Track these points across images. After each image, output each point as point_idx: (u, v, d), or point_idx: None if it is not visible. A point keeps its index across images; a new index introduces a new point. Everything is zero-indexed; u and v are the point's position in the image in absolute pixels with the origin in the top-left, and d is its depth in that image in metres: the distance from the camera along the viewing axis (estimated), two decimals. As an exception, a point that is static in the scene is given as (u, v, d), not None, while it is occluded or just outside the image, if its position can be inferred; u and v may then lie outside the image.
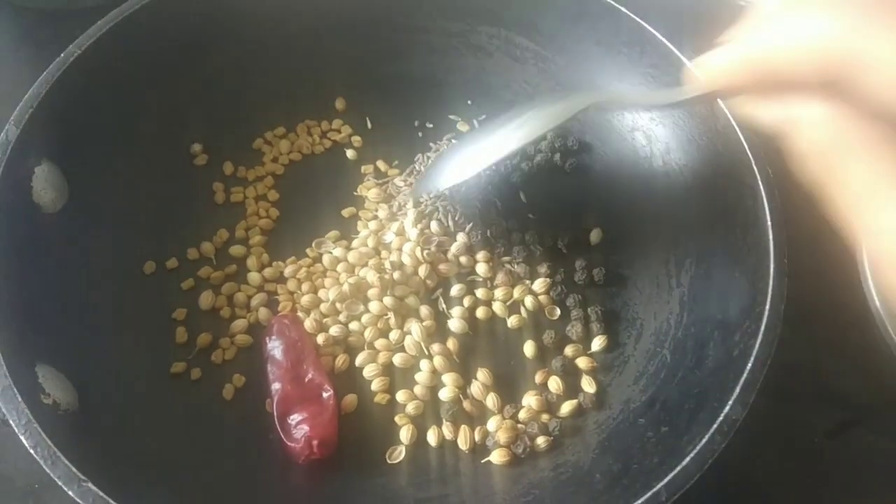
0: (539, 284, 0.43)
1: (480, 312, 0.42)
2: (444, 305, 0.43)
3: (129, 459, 0.33)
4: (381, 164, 0.47)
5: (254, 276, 0.43)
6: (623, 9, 0.43)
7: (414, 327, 0.41)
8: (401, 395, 0.40)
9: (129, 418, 0.36)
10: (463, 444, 0.38)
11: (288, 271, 0.43)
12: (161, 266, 0.43)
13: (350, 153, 0.48)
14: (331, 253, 0.43)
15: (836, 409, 0.42)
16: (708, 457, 0.31)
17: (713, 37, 0.25)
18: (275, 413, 0.37)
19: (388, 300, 0.41)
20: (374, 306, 0.41)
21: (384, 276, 0.42)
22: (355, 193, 0.46)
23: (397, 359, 0.40)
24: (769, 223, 0.36)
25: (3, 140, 0.36)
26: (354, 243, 0.44)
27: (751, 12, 0.23)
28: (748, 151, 0.37)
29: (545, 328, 0.42)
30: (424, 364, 0.40)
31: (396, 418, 0.39)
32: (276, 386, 0.38)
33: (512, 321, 0.42)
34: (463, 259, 0.44)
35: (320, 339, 0.40)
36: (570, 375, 0.41)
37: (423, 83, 0.49)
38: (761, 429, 0.33)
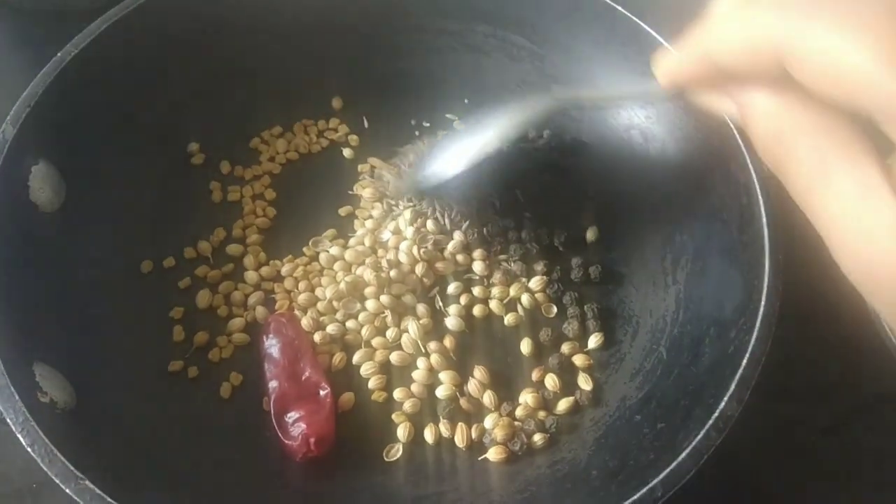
0: (535, 282, 0.43)
1: (477, 310, 0.43)
2: (440, 303, 0.43)
3: (127, 457, 0.33)
4: (377, 163, 0.47)
5: (251, 275, 0.43)
6: (619, 7, 0.43)
7: (411, 325, 0.41)
8: (398, 393, 0.40)
9: (127, 417, 0.36)
10: (460, 441, 0.38)
11: (285, 270, 0.43)
12: (158, 265, 0.43)
13: (347, 152, 0.48)
14: (327, 251, 0.44)
15: (832, 405, 0.43)
16: (703, 453, 0.31)
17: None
18: (272, 411, 0.37)
19: (384, 298, 0.41)
20: (370, 304, 0.42)
21: (381, 274, 0.42)
22: (350, 192, 0.47)
23: (394, 357, 0.41)
24: (764, 220, 0.36)
25: (0, 139, 0.36)
26: (351, 242, 0.44)
27: (706, 13, 0.24)
28: (743, 149, 0.37)
29: (542, 326, 0.42)
30: (421, 362, 0.40)
31: (393, 416, 0.39)
32: (273, 384, 0.38)
33: (509, 319, 0.42)
34: (459, 257, 0.44)
35: (317, 337, 0.41)
36: (567, 373, 0.41)
37: (419, 82, 0.49)
38: (757, 425, 0.33)
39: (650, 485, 0.30)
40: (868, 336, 0.41)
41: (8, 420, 0.30)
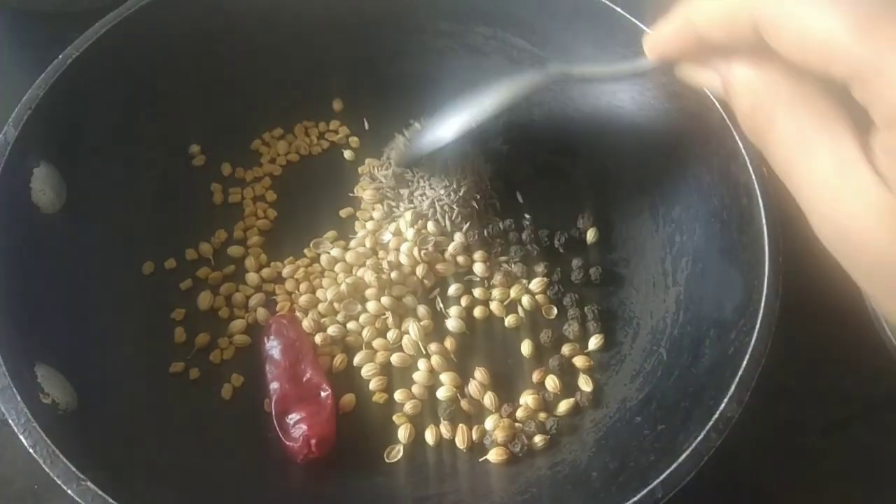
0: (536, 284, 0.43)
1: (478, 312, 0.43)
2: (441, 305, 0.43)
3: (128, 459, 0.33)
4: (376, 164, 0.48)
5: (252, 277, 0.43)
6: (619, 9, 0.43)
7: (411, 327, 0.41)
8: (399, 395, 0.40)
9: (128, 418, 0.36)
10: (461, 442, 0.38)
11: (286, 271, 0.43)
12: (160, 266, 0.43)
13: (347, 154, 0.48)
14: (328, 253, 0.44)
15: (832, 406, 0.43)
16: (704, 454, 0.31)
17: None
18: (273, 412, 0.37)
19: (385, 300, 0.42)
20: (371, 306, 0.42)
21: (382, 275, 0.42)
22: (351, 194, 0.47)
23: (395, 358, 0.41)
24: (764, 221, 0.36)
25: (1, 141, 0.36)
26: (352, 243, 0.44)
27: None
28: (743, 150, 0.37)
29: (542, 327, 0.42)
30: (422, 363, 0.40)
31: (394, 417, 0.39)
32: (274, 385, 0.38)
33: (509, 320, 0.42)
34: (460, 259, 0.44)
35: (318, 338, 0.41)
36: (567, 374, 0.41)
37: (420, 84, 0.49)
38: (757, 426, 0.33)
39: (650, 486, 0.30)
40: (868, 336, 0.41)
41: (10, 421, 0.30)
